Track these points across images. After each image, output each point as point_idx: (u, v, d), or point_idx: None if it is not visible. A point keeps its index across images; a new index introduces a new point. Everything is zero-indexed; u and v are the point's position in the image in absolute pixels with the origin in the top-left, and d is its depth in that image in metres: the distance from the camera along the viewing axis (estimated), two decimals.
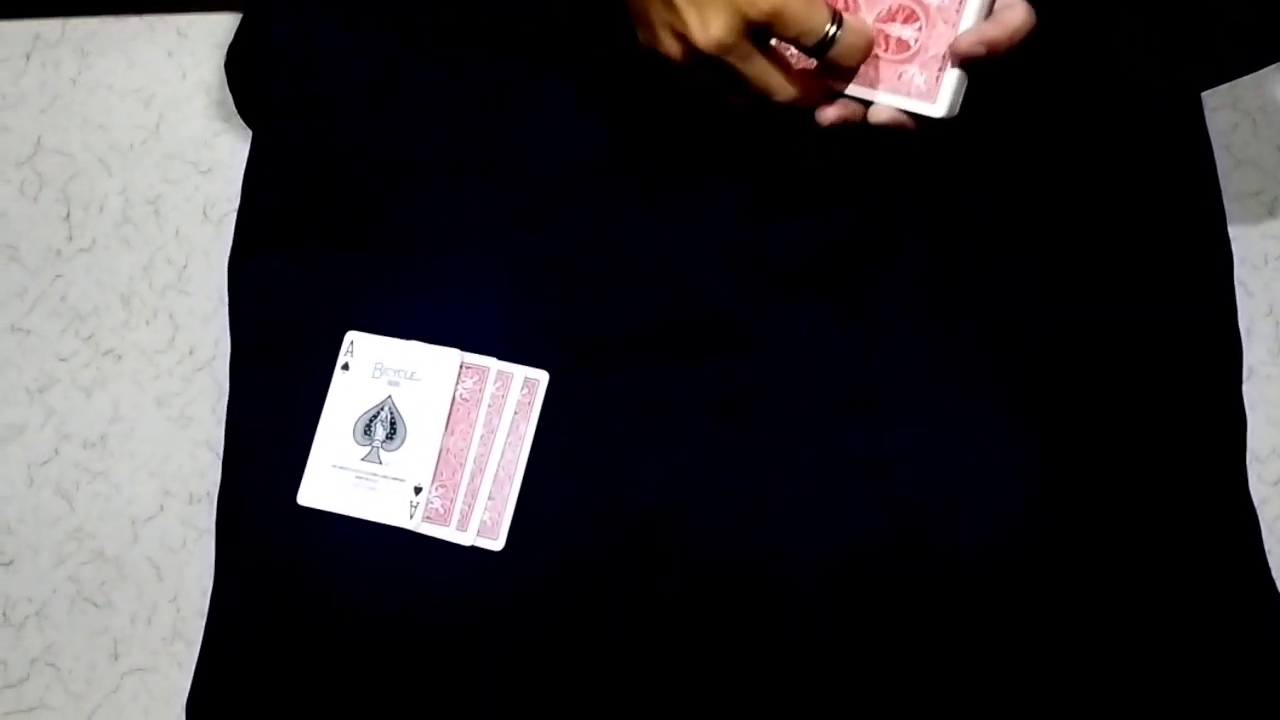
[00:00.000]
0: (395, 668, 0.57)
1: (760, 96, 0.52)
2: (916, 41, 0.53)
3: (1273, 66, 1.10)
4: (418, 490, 0.58)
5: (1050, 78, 0.61)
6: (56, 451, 1.04)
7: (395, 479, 0.58)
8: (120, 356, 1.06)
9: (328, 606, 0.57)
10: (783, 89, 0.53)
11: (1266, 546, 0.60)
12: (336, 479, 0.58)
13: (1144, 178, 0.61)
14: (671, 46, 0.52)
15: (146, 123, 1.12)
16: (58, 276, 1.08)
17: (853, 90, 0.54)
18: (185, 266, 1.08)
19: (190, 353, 1.06)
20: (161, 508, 1.03)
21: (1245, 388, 1.02)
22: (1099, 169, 0.60)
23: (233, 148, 1.12)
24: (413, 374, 0.59)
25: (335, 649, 0.57)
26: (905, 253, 0.59)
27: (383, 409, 0.59)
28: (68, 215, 1.10)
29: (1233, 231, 1.10)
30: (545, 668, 0.56)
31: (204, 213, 1.09)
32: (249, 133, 0.68)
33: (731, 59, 0.51)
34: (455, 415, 0.59)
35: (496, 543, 0.57)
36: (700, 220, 0.60)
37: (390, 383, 0.59)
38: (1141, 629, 0.55)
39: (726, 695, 0.56)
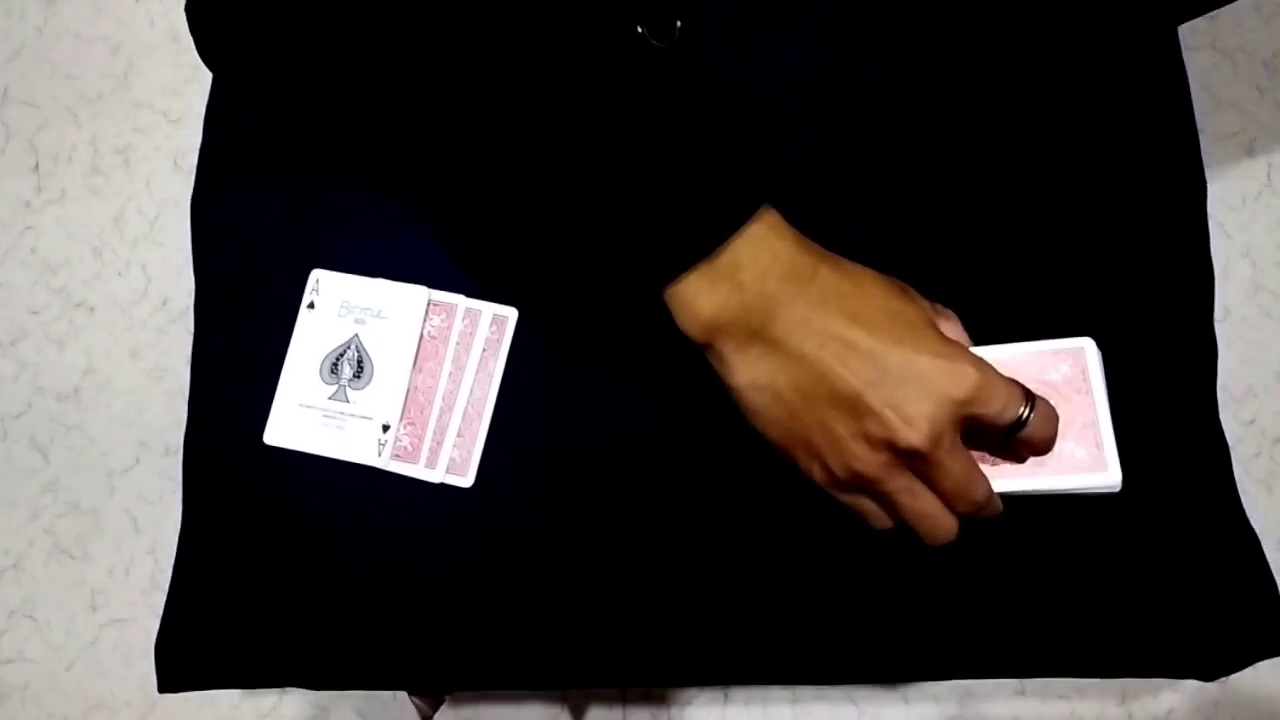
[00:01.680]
0: (364, 605, 0.56)
1: (947, 498, 0.49)
2: (1061, 420, 0.51)
3: (1253, 8, 1.10)
4: (386, 428, 0.57)
5: (1022, 8, 0.60)
6: (30, 405, 1.04)
7: (363, 417, 0.57)
8: (93, 309, 1.06)
9: (296, 545, 0.57)
10: (981, 483, 0.49)
11: (1242, 486, 0.60)
12: (303, 418, 0.58)
13: (1119, 111, 0.60)
14: (867, 458, 0.47)
15: (115, 71, 1.10)
16: (27, 228, 1.07)
17: (1015, 484, 0.51)
18: (156, 217, 1.07)
19: (164, 304, 1.06)
20: (138, 460, 1.03)
21: (1222, 328, 1.02)
22: (1073, 104, 0.60)
23: (203, 96, 1.10)
24: (379, 312, 0.58)
25: (303, 588, 0.57)
26: (877, 182, 0.59)
27: (349, 347, 0.58)
28: (36, 166, 1.08)
29: (1211, 172, 1.10)
30: (514, 604, 0.56)
31: (174, 162, 1.08)
32: None
33: (940, 453, 0.47)
34: (423, 353, 0.58)
35: (465, 480, 0.57)
36: None
37: (357, 321, 0.58)
38: (1113, 556, 0.55)
39: (698, 626, 0.56)
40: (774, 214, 0.48)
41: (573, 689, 0.58)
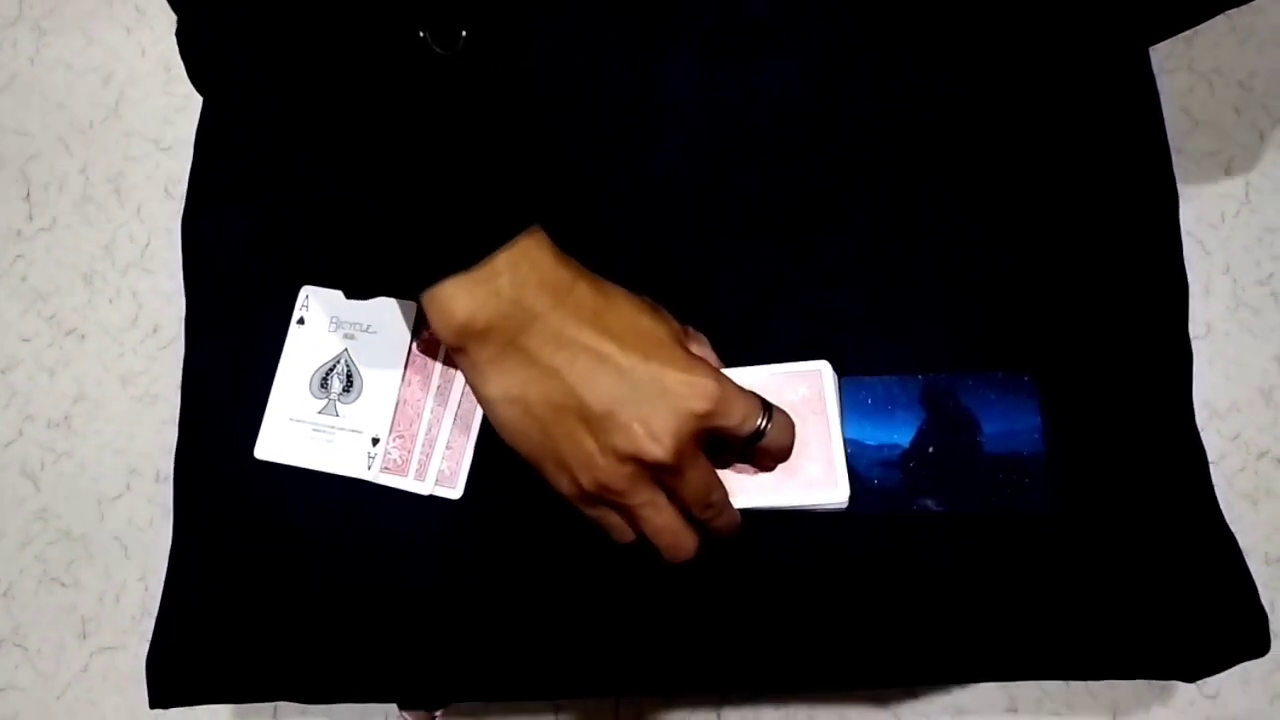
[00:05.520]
0: (354, 618, 0.57)
1: (688, 504, 0.51)
2: (798, 439, 0.54)
3: (1227, 29, 1.12)
4: (375, 441, 0.58)
5: (999, 30, 0.61)
6: (21, 432, 1.04)
7: (352, 431, 0.58)
8: (83, 336, 1.06)
9: (286, 559, 0.57)
10: (718, 487, 0.52)
11: (1227, 501, 0.61)
12: (293, 432, 0.58)
13: (1092, 128, 0.61)
14: (613, 471, 0.48)
15: (106, 100, 1.11)
16: (18, 257, 1.07)
17: (752, 501, 0.54)
18: (147, 244, 1.08)
19: (154, 331, 1.06)
20: (128, 486, 1.03)
21: (1204, 345, 1.04)
22: (1048, 120, 0.61)
23: (194, 125, 1.11)
24: (368, 326, 0.59)
25: (295, 601, 0.57)
26: (860, 199, 0.60)
27: (339, 362, 0.59)
28: (27, 195, 1.09)
29: (1190, 191, 1.12)
30: (506, 615, 0.57)
31: (165, 190, 1.09)
32: None
33: (683, 463, 0.49)
34: (412, 366, 0.59)
35: (455, 491, 0.57)
36: (662, 167, 0.60)
37: (346, 336, 0.59)
38: (1096, 560, 0.56)
39: (689, 634, 0.56)
40: (539, 230, 0.49)
41: (566, 699, 0.58)
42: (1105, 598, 0.56)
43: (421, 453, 0.58)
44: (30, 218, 1.09)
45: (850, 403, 0.56)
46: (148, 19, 1.13)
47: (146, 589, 1.01)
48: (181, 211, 0.64)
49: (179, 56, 0.70)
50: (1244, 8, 0.64)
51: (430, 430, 0.58)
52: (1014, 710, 0.96)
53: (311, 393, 0.59)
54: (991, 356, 0.58)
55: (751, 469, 0.55)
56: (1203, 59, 1.09)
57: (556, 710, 0.94)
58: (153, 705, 0.58)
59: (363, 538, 0.57)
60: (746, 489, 0.55)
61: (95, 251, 1.08)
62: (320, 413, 0.58)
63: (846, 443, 0.55)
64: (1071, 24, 0.62)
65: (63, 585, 1.02)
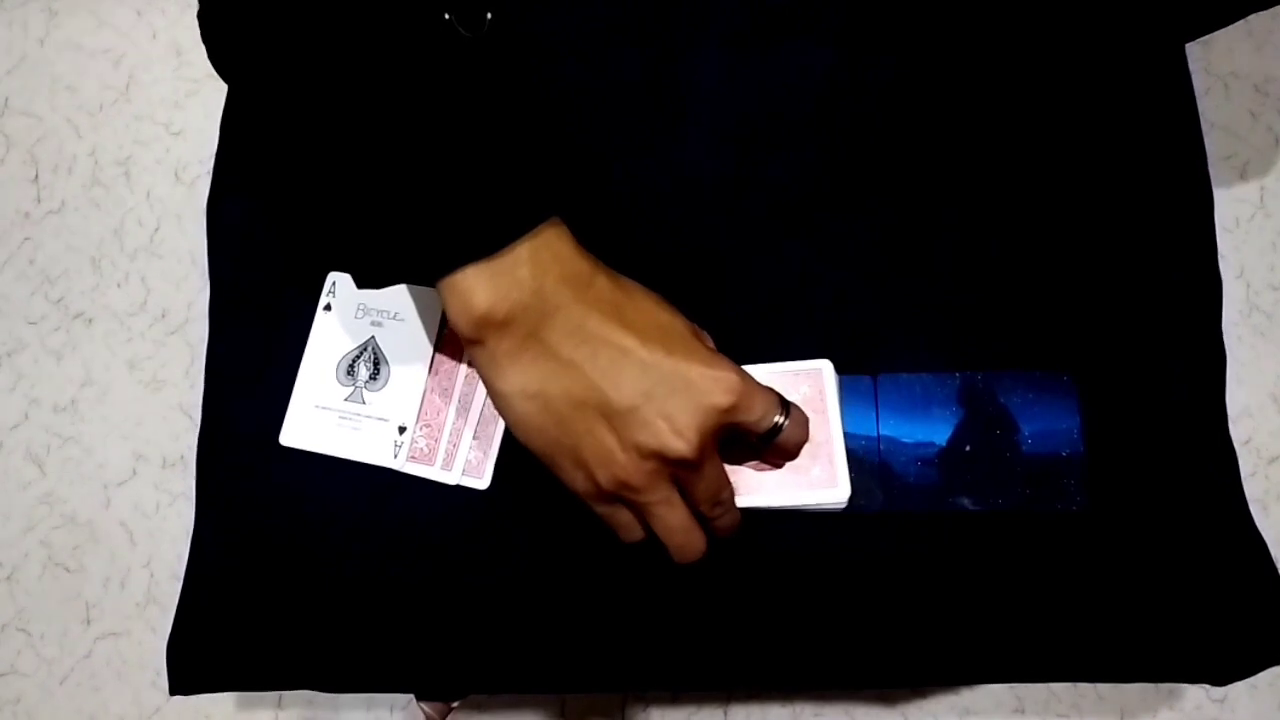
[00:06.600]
0: (377, 607, 0.56)
1: (699, 501, 0.51)
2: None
3: (1244, 34, 1.12)
4: (402, 430, 0.57)
5: (1033, 28, 0.61)
6: (26, 416, 1.03)
7: (379, 419, 0.57)
8: (91, 320, 1.05)
9: (311, 546, 0.57)
10: (727, 484, 0.52)
11: None
12: (319, 419, 0.58)
13: (1128, 123, 0.61)
14: (634, 468, 0.48)
15: (116, 83, 1.10)
16: (26, 239, 1.06)
17: (754, 500, 0.54)
18: (157, 229, 1.07)
19: (163, 316, 1.05)
20: (134, 472, 1.02)
21: None
22: (1084, 114, 0.61)
23: (204, 109, 1.11)
24: (396, 314, 0.58)
25: (318, 588, 0.56)
26: (890, 191, 0.59)
27: (366, 349, 0.58)
28: (36, 177, 1.08)
29: None
30: (531, 606, 0.56)
31: (175, 174, 1.08)
32: (221, 94, 0.67)
33: (703, 459, 0.48)
34: (439, 355, 0.58)
35: (482, 481, 0.57)
36: (690, 157, 0.60)
37: (373, 323, 0.58)
38: (1127, 562, 0.56)
39: (710, 630, 0.56)
40: (560, 221, 0.48)
41: (586, 692, 0.58)
42: (1135, 600, 0.55)
43: (449, 442, 0.57)
44: (38, 200, 1.08)
45: (886, 400, 0.56)
46: (159, 2, 1.12)
47: (152, 575, 1.01)
48: (191, 197, 0.64)
49: (190, 40, 0.69)
50: (1261, 13, 0.64)
51: (458, 419, 0.57)
52: (1021, 711, 0.96)
53: (338, 380, 0.58)
54: (1020, 351, 0.57)
55: (753, 468, 0.55)
56: (1219, 63, 1.09)
57: (563, 707, 0.94)
58: (173, 692, 0.58)
59: (387, 527, 0.57)
60: (749, 488, 0.54)
61: (104, 235, 1.07)
62: (346, 400, 0.58)
63: (881, 440, 0.55)
64: (1104, 26, 0.62)
65: (67, 570, 1.01)
